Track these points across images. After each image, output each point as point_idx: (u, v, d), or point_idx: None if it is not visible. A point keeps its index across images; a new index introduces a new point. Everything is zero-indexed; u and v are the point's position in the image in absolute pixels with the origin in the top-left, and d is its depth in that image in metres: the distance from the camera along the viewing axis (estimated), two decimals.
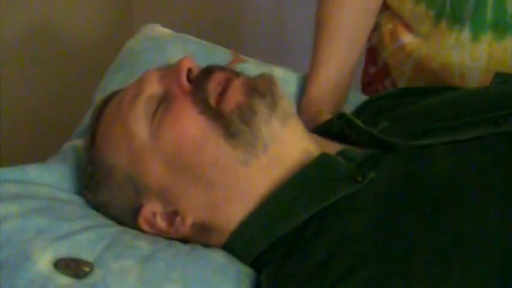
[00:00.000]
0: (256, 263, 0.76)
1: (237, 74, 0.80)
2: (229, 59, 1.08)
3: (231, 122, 0.75)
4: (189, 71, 0.78)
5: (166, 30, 1.14)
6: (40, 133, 1.59)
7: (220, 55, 1.08)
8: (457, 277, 0.64)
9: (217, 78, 0.78)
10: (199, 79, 0.78)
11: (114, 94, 0.85)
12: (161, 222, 0.78)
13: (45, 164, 0.87)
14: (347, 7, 1.04)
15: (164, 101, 0.77)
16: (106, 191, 0.80)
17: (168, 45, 1.08)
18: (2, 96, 1.49)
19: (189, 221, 0.77)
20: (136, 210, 0.78)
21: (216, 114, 0.75)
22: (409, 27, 1.09)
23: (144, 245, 0.75)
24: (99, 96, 1.03)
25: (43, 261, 0.70)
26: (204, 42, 1.12)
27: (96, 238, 0.74)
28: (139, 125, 0.77)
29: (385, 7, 1.11)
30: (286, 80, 1.06)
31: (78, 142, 0.92)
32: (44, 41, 1.65)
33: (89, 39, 1.79)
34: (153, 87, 0.79)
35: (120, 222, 0.80)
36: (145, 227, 0.78)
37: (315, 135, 0.84)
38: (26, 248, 0.71)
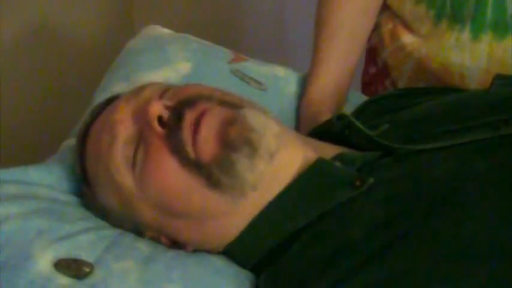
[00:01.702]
0: (255, 267, 0.76)
1: (208, 105, 0.75)
2: (229, 59, 1.08)
3: (212, 173, 0.72)
4: (160, 117, 0.74)
5: (166, 31, 1.14)
6: (40, 133, 1.59)
7: (220, 55, 1.08)
8: (458, 281, 0.64)
9: (188, 120, 0.74)
10: (171, 126, 0.74)
11: (94, 118, 0.83)
12: (165, 242, 0.78)
13: (45, 164, 0.87)
14: (347, 7, 1.04)
15: (141, 144, 0.75)
16: (106, 219, 0.80)
17: (168, 45, 1.08)
18: (2, 96, 1.49)
19: (190, 248, 0.78)
20: (139, 233, 0.79)
21: (195, 165, 0.73)
22: (409, 27, 1.09)
23: (144, 246, 0.76)
24: (99, 96, 1.03)
25: (43, 261, 0.70)
26: (204, 42, 1.12)
27: (97, 239, 0.74)
28: (122, 175, 0.76)
29: (385, 7, 1.11)
30: (287, 79, 1.06)
31: (73, 141, 0.91)
32: (44, 41, 1.64)
33: (89, 40, 1.79)
34: (127, 130, 0.76)
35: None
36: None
37: (311, 140, 0.84)
38: (27, 248, 0.71)
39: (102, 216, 0.80)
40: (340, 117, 0.86)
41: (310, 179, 0.76)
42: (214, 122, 0.73)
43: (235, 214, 0.75)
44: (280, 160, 0.75)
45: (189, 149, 0.73)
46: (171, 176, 0.74)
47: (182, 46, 1.08)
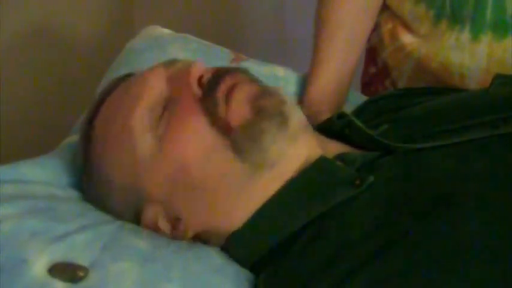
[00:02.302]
0: (254, 266, 0.76)
1: (246, 74, 0.79)
2: (229, 59, 1.08)
3: (238, 138, 0.74)
4: (200, 77, 0.77)
5: (166, 31, 1.14)
6: (40, 133, 1.59)
7: (220, 55, 1.08)
8: (457, 281, 0.64)
9: (225, 84, 0.76)
10: (209, 85, 0.76)
11: (112, 88, 0.83)
12: (164, 224, 0.77)
13: (39, 159, 0.86)
14: (347, 7, 1.04)
15: (170, 106, 0.76)
16: (106, 197, 0.79)
17: (168, 45, 1.09)
18: (2, 96, 1.49)
19: (192, 229, 0.77)
20: (138, 212, 0.77)
21: (224, 127, 0.74)
22: (408, 27, 1.09)
23: (142, 243, 0.74)
24: None
25: (38, 266, 0.69)
26: (204, 41, 1.12)
27: (93, 238, 0.73)
28: (142, 133, 0.76)
29: (384, 7, 1.11)
30: (287, 79, 1.06)
31: (73, 138, 0.91)
32: (44, 41, 1.64)
33: (89, 40, 1.79)
34: (159, 89, 0.77)
35: (116, 215, 0.79)
36: (147, 227, 0.77)
37: (318, 135, 0.84)
38: (21, 252, 0.70)
39: (103, 186, 0.78)
40: (341, 116, 0.86)
41: (312, 176, 0.76)
42: (250, 89, 0.76)
43: (244, 195, 0.75)
44: (296, 151, 0.76)
45: (221, 109, 0.74)
46: (197, 133, 0.74)
47: (182, 46, 1.08)
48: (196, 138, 0.74)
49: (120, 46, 1.13)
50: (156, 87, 0.77)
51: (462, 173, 0.73)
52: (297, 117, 0.77)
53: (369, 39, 1.13)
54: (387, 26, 1.12)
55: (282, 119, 0.75)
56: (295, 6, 1.96)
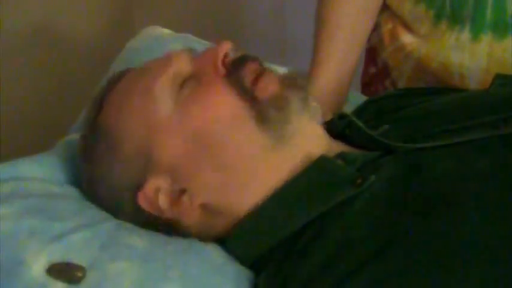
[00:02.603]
0: (254, 265, 0.76)
1: (268, 68, 0.81)
2: None
3: (264, 108, 0.75)
4: (225, 55, 0.78)
5: (166, 31, 1.14)
6: (40, 133, 1.59)
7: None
8: (457, 281, 0.64)
9: (251, 66, 0.78)
10: (234, 64, 0.78)
11: (129, 70, 0.83)
12: (163, 200, 0.75)
13: (37, 157, 0.85)
14: (347, 7, 1.04)
15: (193, 79, 0.77)
16: (108, 164, 0.78)
17: (168, 45, 1.09)
18: (2, 96, 1.49)
19: (198, 201, 0.75)
20: (138, 186, 0.76)
21: (251, 98, 0.76)
22: (408, 27, 1.09)
23: (140, 242, 0.73)
24: None
25: (37, 267, 0.69)
26: (204, 41, 1.12)
27: (91, 237, 0.72)
28: (164, 99, 0.76)
29: (384, 7, 1.11)
30: None
31: (72, 136, 0.90)
32: (44, 41, 1.64)
33: (89, 40, 1.79)
34: (182, 65, 0.78)
35: (114, 201, 0.77)
36: (144, 205, 0.76)
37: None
38: (19, 252, 0.70)
39: (109, 149, 0.77)
40: (341, 116, 0.86)
41: (313, 175, 0.76)
42: (277, 74, 0.79)
43: (258, 174, 0.76)
44: (313, 131, 0.79)
45: (248, 85, 0.76)
46: (223, 101, 0.75)
47: (182, 46, 1.08)
48: (222, 103, 0.75)
49: (120, 46, 1.13)
50: (181, 61, 0.79)
51: (462, 173, 0.73)
52: (312, 101, 0.80)
53: (369, 39, 1.13)
54: (387, 26, 1.12)
55: (306, 96, 0.78)
56: (295, 6, 1.96)
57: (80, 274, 0.69)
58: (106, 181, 0.78)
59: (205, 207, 0.76)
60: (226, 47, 0.78)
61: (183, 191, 0.76)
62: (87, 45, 1.77)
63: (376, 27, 1.13)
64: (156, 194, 0.75)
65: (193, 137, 0.75)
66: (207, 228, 0.78)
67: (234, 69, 0.77)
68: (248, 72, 0.77)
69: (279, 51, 2.05)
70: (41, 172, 0.82)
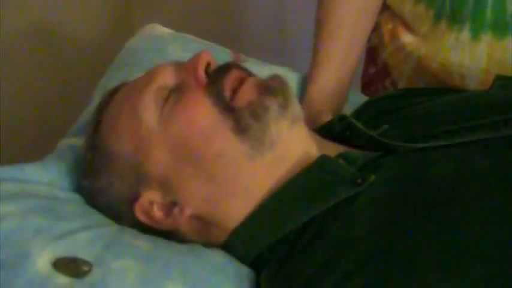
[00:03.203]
0: (255, 264, 0.76)
1: (252, 75, 0.81)
2: (229, 59, 1.08)
3: (241, 116, 0.76)
4: (207, 65, 0.79)
5: (166, 30, 1.14)
6: (40, 132, 1.59)
7: (220, 55, 1.08)
8: (458, 281, 0.64)
9: (233, 75, 0.78)
10: (216, 74, 0.79)
11: (123, 85, 0.85)
12: (157, 212, 0.77)
13: (42, 162, 0.87)
14: (347, 7, 1.04)
15: (176, 91, 0.78)
16: (104, 177, 0.80)
17: (168, 45, 1.09)
18: (2, 96, 1.49)
19: (187, 212, 0.77)
20: (134, 199, 0.78)
21: (227, 108, 0.76)
22: (408, 27, 1.09)
23: (143, 244, 0.75)
24: (97, 96, 1.03)
25: (42, 261, 0.70)
26: (204, 41, 1.12)
27: (96, 237, 0.74)
28: (149, 111, 0.77)
29: (384, 7, 1.11)
30: (286, 79, 1.06)
31: (74, 140, 0.92)
32: (44, 41, 1.64)
33: (89, 39, 1.79)
34: (166, 79, 0.80)
35: (114, 211, 0.80)
36: (141, 217, 0.78)
37: (316, 136, 0.84)
38: (25, 247, 0.71)
39: (105, 164, 0.79)
40: (341, 118, 0.86)
41: (313, 174, 0.76)
42: (256, 80, 0.79)
43: (242, 182, 0.76)
44: (295, 136, 0.78)
45: (227, 94, 0.77)
46: (200, 112, 0.76)
47: (182, 46, 1.08)
48: (199, 115, 0.76)
49: (120, 46, 1.13)
50: (164, 74, 0.80)
51: (463, 173, 0.73)
52: (296, 103, 0.79)
53: (369, 39, 1.13)
54: (387, 26, 1.12)
55: (284, 100, 0.77)
56: (295, 6, 1.96)
57: (85, 268, 0.70)
58: (104, 195, 0.80)
59: (196, 218, 0.77)
60: (207, 57, 0.79)
61: (174, 203, 0.77)
62: (87, 45, 1.77)
63: (376, 27, 1.13)
64: (150, 206, 0.77)
65: (176, 149, 0.76)
66: (205, 238, 0.78)
67: (215, 79, 0.78)
68: (229, 81, 0.78)
69: (279, 51, 2.05)
70: (47, 178, 0.84)
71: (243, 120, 0.75)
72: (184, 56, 1.05)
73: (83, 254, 0.72)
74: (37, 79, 1.62)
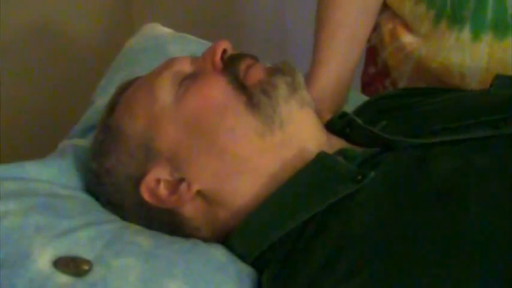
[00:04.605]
0: (257, 263, 0.76)
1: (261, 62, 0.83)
2: None
3: (253, 93, 0.78)
4: (224, 52, 0.81)
5: (166, 30, 1.14)
6: (40, 132, 1.59)
7: None
8: (458, 278, 0.64)
9: (247, 61, 0.81)
10: (231, 59, 0.81)
11: (140, 77, 0.87)
12: (163, 190, 0.78)
13: (44, 160, 0.86)
14: (347, 7, 1.04)
15: (192, 76, 0.80)
16: (114, 156, 0.80)
17: (168, 45, 1.09)
18: (2, 96, 1.49)
19: (195, 187, 0.77)
20: (140, 177, 0.78)
21: (241, 85, 0.78)
22: (409, 27, 1.09)
23: (145, 241, 0.75)
24: (98, 96, 1.03)
25: (43, 259, 0.70)
26: (204, 41, 1.12)
27: (96, 235, 0.74)
28: (164, 91, 0.79)
29: (385, 7, 1.11)
30: None
31: (75, 141, 0.92)
32: (44, 41, 1.65)
33: (89, 39, 1.79)
34: (184, 66, 0.82)
35: (119, 195, 0.80)
36: (146, 195, 0.78)
37: (323, 127, 0.85)
38: (26, 246, 0.71)
39: (115, 143, 0.80)
40: (342, 115, 0.86)
41: (313, 172, 0.77)
42: (267, 66, 0.82)
43: (251, 161, 0.77)
44: (304, 119, 0.80)
45: (241, 74, 0.80)
46: (216, 89, 0.79)
47: (182, 46, 1.08)
48: (213, 93, 0.78)
49: (120, 45, 1.13)
50: (181, 63, 0.83)
51: (463, 170, 0.73)
52: (305, 90, 0.82)
53: (369, 39, 1.13)
54: (387, 26, 1.12)
55: (293, 81, 0.80)
56: (295, 6, 1.96)
57: (86, 267, 0.70)
58: (112, 175, 0.81)
59: (202, 196, 0.78)
60: (225, 44, 0.82)
61: (181, 180, 0.77)
62: (87, 45, 1.77)
63: (376, 27, 1.13)
64: (157, 184, 0.78)
65: (189, 125, 0.77)
66: (210, 222, 0.78)
67: (230, 63, 0.81)
68: (243, 65, 0.80)
69: (279, 51, 2.05)
70: (48, 175, 0.84)
71: (255, 97, 0.78)
72: (183, 55, 1.05)
73: (84, 252, 0.72)
74: (37, 79, 1.62)
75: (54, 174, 0.84)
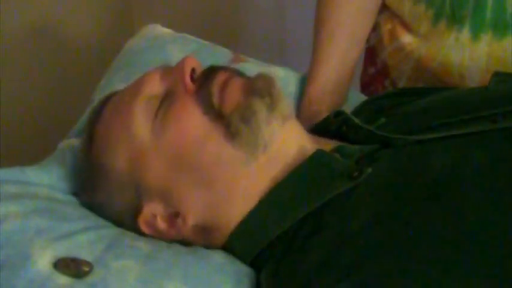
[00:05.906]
0: (255, 262, 0.76)
1: (238, 74, 0.80)
2: (229, 59, 1.08)
3: (231, 122, 0.75)
4: (193, 70, 0.79)
5: (166, 30, 1.14)
6: (40, 133, 1.59)
7: (220, 55, 1.08)
8: (457, 275, 0.64)
9: (219, 78, 0.78)
10: (203, 79, 0.78)
11: (112, 95, 0.85)
12: (162, 224, 0.77)
13: (44, 165, 0.87)
14: (346, 7, 1.04)
15: (166, 100, 0.77)
16: (103, 193, 0.80)
17: (168, 45, 1.09)
18: (2, 95, 1.50)
19: (190, 222, 0.77)
20: (136, 212, 0.78)
21: (217, 114, 0.76)
22: (408, 27, 1.09)
23: (144, 245, 0.75)
24: (98, 96, 1.03)
25: (42, 261, 0.70)
26: (204, 41, 1.12)
27: (96, 239, 0.74)
28: (140, 125, 0.77)
29: (384, 7, 1.11)
30: (287, 79, 1.06)
31: (75, 141, 0.91)
32: (44, 41, 1.65)
33: (89, 39, 1.79)
34: (154, 87, 0.79)
35: (118, 223, 0.80)
36: (145, 229, 0.78)
37: (311, 135, 0.84)
38: (26, 248, 0.71)
39: (102, 180, 0.79)
40: (337, 114, 0.86)
41: (309, 169, 0.76)
42: (243, 80, 0.79)
43: (241, 184, 0.76)
44: (287, 134, 0.78)
45: (215, 100, 0.76)
46: (191, 122, 0.76)
47: (181, 46, 1.08)
48: (190, 127, 0.76)
49: (120, 45, 1.13)
50: (152, 83, 0.79)
51: (461, 165, 0.73)
52: (284, 101, 0.78)
53: (368, 39, 1.13)
54: (387, 26, 1.12)
55: (271, 100, 0.76)
56: (295, 6, 1.96)
57: (86, 269, 0.70)
58: (106, 208, 0.80)
59: (198, 227, 0.78)
60: (191, 63, 0.79)
61: (177, 214, 0.77)
62: (87, 45, 1.77)
63: (376, 27, 1.13)
64: (153, 218, 0.78)
65: (172, 160, 0.76)
66: (209, 242, 0.78)
67: (202, 85, 0.78)
68: (216, 85, 0.77)
69: (279, 51, 2.05)
70: (49, 180, 0.84)
71: (233, 125, 0.75)
72: (183, 56, 1.05)
73: (84, 255, 0.72)
74: (37, 79, 1.63)
75: (53, 179, 0.84)
